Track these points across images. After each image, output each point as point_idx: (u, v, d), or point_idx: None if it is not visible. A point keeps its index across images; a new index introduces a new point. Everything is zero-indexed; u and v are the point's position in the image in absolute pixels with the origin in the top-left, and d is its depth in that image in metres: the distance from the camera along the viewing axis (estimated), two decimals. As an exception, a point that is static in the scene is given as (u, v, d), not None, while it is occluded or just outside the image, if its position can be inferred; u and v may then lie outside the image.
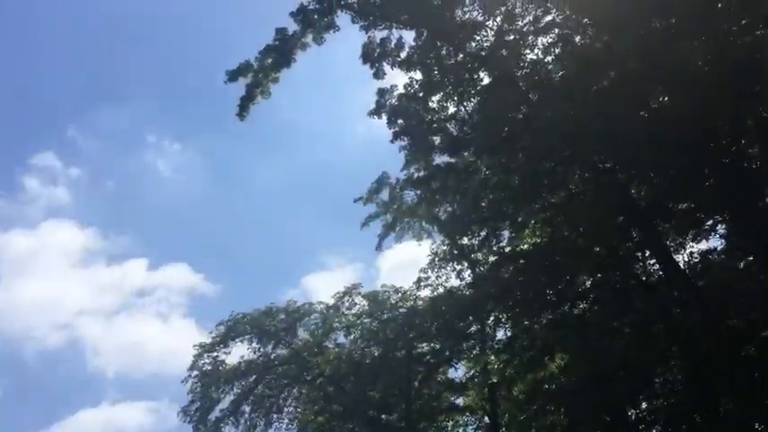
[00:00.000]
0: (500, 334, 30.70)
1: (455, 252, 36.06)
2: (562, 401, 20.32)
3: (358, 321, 39.46)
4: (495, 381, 26.28)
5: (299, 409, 40.18)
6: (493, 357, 24.73)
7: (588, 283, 20.65)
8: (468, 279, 35.52)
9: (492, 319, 24.70)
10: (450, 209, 34.37)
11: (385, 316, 38.76)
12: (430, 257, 36.82)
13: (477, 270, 35.06)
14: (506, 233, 22.72)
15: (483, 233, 23.33)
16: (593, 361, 19.70)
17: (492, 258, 23.87)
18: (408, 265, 66.43)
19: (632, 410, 21.72)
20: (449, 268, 36.42)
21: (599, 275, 20.17)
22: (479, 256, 33.11)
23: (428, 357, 37.78)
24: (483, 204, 21.86)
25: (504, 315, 21.93)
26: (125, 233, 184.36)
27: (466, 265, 35.85)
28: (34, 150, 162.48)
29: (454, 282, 36.11)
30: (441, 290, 36.52)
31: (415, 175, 31.87)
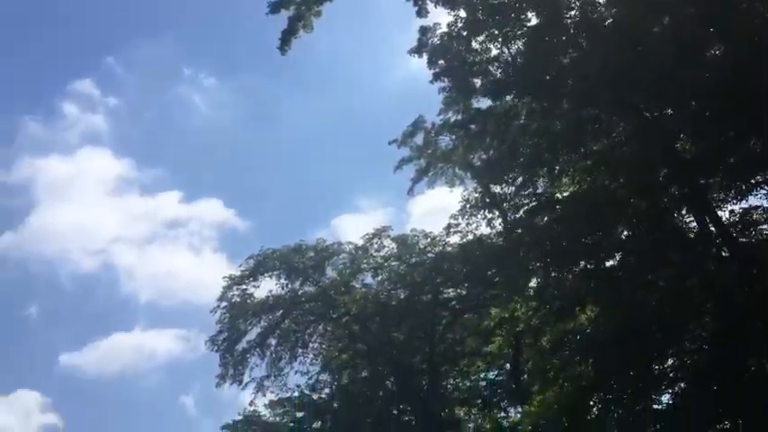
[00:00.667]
0: (530, 283, 30.70)
1: (487, 200, 35.86)
2: (591, 353, 20.21)
3: (386, 264, 39.61)
4: (521, 329, 26.23)
5: (324, 346, 40.86)
6: (521, 305, 24.55)
7: (625, 235, 20.30)
8: (499, 228, 35.51)
9: (523, 266, 24.38)
10: (484, 156, 34.11)
11: (413, 260, 38.87)
12: (461, 204, 36.69)
13: (508, 219, 35.02)
14: (544, 180, 22.36)
15: (519, 180, 23.06)
16: (624, 314, 19.48)
17: (527, 205, 23.42)
18: (439, 211, 66.05)
19: (659, 365, 21.62)
20: (479, 216, 36.25)
21: (637, 227, 19.80)
22: (513, 203, 33.19)
23: (454, 303, 38.08)
24: (521, 150, 21.46)
25: (537, 263, 21.64)
26: (159, 165, 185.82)
27: (497, 213, 35.65)
28: (73, 77, 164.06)
29: (484, 230, 36.11)
30: (470, 237, 36.55)
31: (453, 118, 31.69)
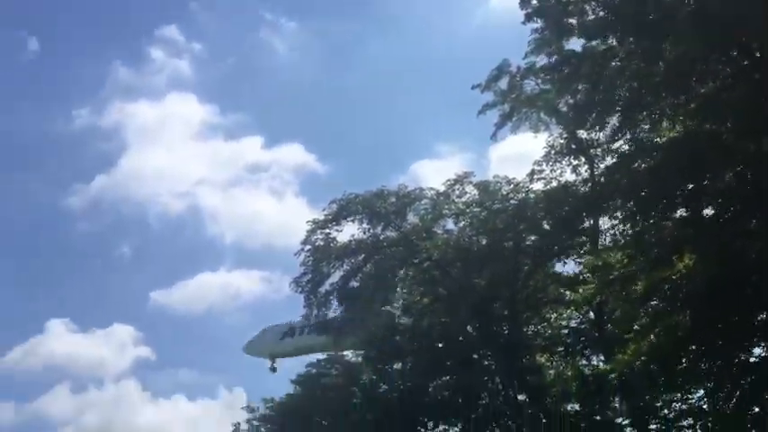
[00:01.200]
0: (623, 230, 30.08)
1: (573, 146, 35.02)
2: (687, 303, 19.70)
3: (467, 210, 39.46)
4: (611, 277, 25.72)
5: (405, 290, 41.32)
6: (610, 253, 24.04)
7: (729, 181, 19.45)
8: (585, 174, 34.75)
9: (616, 213, 23.79)
10: (572, 100, 33.22)
11: (495, 206, 38.54)
12: (545, 150, 35.95)
13: (595, 165, 34.19)
14: (642, 125, 21.55)
15: (613, 124, 22.32)
16: (723, 263, 18.82)
17: (622, 151, 22.71)
18: (520, 158, 64.63)
19: (756, 317, 20.95)
20: (564, 162, 35.55)
21: (742, 173, 18.93)
22: (604, 149, 32.30)
23: (536, 250, 37.76)
24: (618, 93, 20.71)
25: (632, 210, 21.06)
26: (242, 110, 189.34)
27: (583, 159, 34.87)
28: (160, 23, 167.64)
29: (569, 176, 35.47)
30: (554, 184, 35.99)
31: (541, 61, 30.77)
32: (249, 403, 51.54)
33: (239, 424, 51.37)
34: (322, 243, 40.36)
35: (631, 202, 20.73)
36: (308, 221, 40.85)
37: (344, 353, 44.72)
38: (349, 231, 40.45)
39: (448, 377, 41.91)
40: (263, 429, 50.15)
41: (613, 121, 22.31)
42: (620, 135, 22.06)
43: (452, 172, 41.80)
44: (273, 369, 51.59)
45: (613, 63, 21.09)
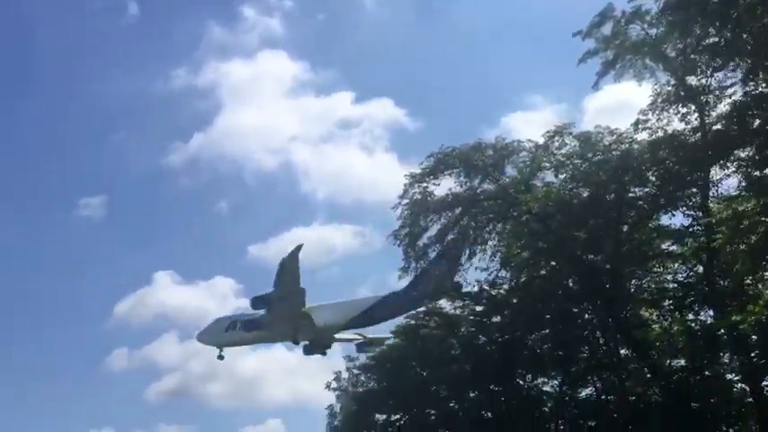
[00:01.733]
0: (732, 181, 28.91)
1: (682, 93, 33.43)
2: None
3: (568, 162, 38.51)
4: (724, 229, 24.66)
5: (503, 244, 41.06)
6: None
7: None
8: (695, 123, 33.16)
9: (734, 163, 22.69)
10: (680, 45, 31.64)
11: (597, 157, 37.43)
12: (651, 98, 34.45)
13: (706, 113, 32.57)
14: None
15: (731, 69, 21.16)
16: None
17: (746, 97, 21.51)
18: (617, 108, 62.29)
19: None
20: (672, 111, 34.01)
21: None
22: (716, 96, 30.82)
23: (641, 202, 36.64)
24: (746, 36, 19.53)
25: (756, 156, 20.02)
26: (332, 66, 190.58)
27: (693, 108, 33.23)
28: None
29: (677, 125, 33.95)
30: (661, 133, 34.53)
31: (646, 6, 29.41)
32: (349, 353, 53.32)
33: (340, 372, 53.12)
34: (419, 197, 40.45)
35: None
36: (405, 175, 40.99)
37: (442, 305, 45.12)
38: (446, 185, 40.51)
39: (547, 331, 41.89)
40: (363, 377, 51.65)
41: (733, 65, 21.20)
42: (741, 81, 20.82)
43: (545, 124, 40.95)
44: (221, 357, 55.31)
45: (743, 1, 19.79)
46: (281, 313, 48.75)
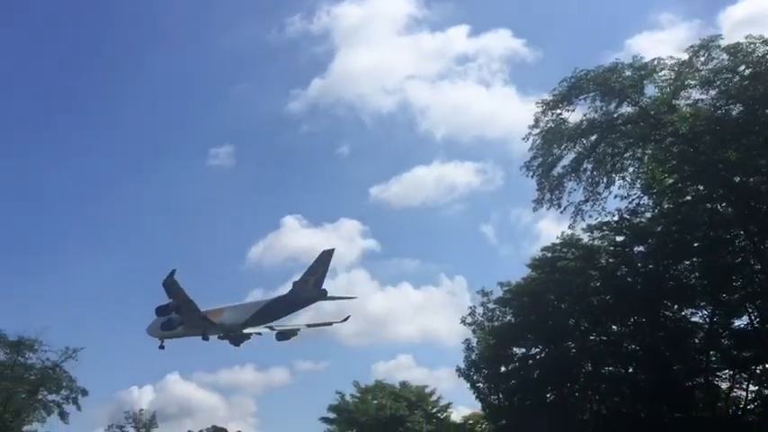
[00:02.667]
0: None
1: None
2: None
3: (716, 77, 35.42)
4: None
5: (644, 170, 38.88)
6: None
7: None
8: None
9: None
10: None
11: (749, 71, 34.20)
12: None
13: None
14: None
15: None
16: None
17: None
18: (759, 20, 56.63)
19: None
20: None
21: None
22: None
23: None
24: None
25: None
26: (446, 0, 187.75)
27: None
28: None
29: None
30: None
31: None
32: (482, 288, 53.09)
33: (474, 307, 53.16)
34: (552, 125, 38.89)
35: None
36: (537, 103, 39.36)
37: (580, 235, 43.66)
38: (581, 111, 38.62)
39: (695, 259, 39.63)
40: (498, 311, 51.48)
41: None
42: None
43: (675, 43, 37.75)
44: (162, 347, 60.21)
45: None
46: (184, 318, 55.48)
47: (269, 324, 62.36)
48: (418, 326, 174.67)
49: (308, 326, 63.74)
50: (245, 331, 62.02)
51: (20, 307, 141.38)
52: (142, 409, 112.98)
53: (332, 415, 52.06)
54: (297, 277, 60.53)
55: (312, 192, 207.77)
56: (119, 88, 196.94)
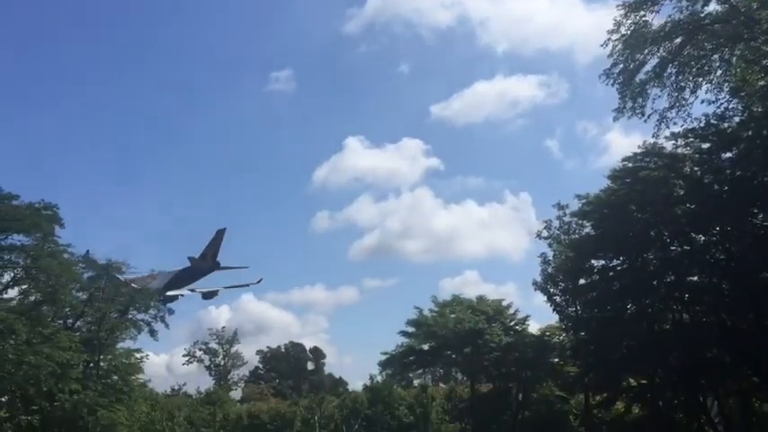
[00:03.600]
0: None
1: None
2: None
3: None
4: None
5: (732, 72, 36.90)
6: None
7: None
8: None
9: None
10: None
11: None
12: None
13: None
14: None
15: None
16: None
17: None
18: None
19: None
20: None
21: None
22: None
23: None
24: None
25: None
26: None
27: None
28: None
29: None
30: None
31: None
32: (558, 201, 52.51)
33: (550, 221, 52.82)
34: (633, 28, 37.07)
35: None
36: (617, 6, 37.26)
37: (664, 144, 42.23)
38: (665, 13, 36.62)
39: (788, 163, 37.90)
40: (574, 225, 51.04)
41: None
42: None
43: None
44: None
45: None
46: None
47: (190, 287, 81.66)
48: (483, 242, 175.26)
49: (225, 288, 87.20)
50: (169, 293, 76.00)
51: (104, 232, 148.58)
52: (224, 327, 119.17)
53: (410, 329, 53.22)
54: (197, 254, 79.20)
55: (373, 112, 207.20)
56: (175, 17, 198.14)
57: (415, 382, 73.54)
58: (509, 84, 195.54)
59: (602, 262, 46.34)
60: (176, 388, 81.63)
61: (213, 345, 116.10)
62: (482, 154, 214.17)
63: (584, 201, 46.05)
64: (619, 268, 45.00)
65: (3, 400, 46.88)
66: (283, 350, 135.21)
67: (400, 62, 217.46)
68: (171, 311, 60.64)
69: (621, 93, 37.99)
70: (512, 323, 52.22)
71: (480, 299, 54.13)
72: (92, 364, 54.14)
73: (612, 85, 38.15)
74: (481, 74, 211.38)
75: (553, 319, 54.86)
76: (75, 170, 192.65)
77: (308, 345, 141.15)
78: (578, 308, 49.30)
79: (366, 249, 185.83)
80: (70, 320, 55.78)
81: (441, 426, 54.15)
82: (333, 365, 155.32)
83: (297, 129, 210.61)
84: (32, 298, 50.81)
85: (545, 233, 53.09)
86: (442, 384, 77.29)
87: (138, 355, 59.44)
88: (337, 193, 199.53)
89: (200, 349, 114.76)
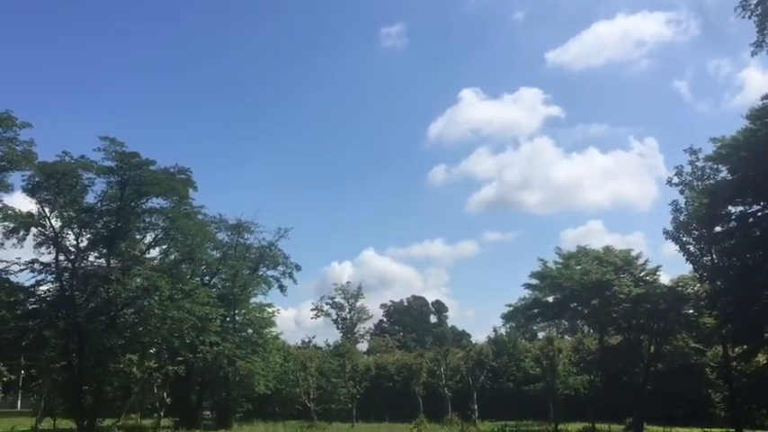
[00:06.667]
0: None
1: None
2: None
3: None
4: None
5: None
6: None
7: None
8: None
9: None
10: None
11: None
12: None
13: None
14: None
15: None
16: None
17: None
18: None
19: None
20: None
21: None
22: None
23: None
24: None
25: None
26: None
27: None
28: None
29: None
30: None
31: None
32: (691, 146, 49.61)
33: (681, 167, 50.05)
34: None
35: None
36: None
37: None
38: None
39: None
40: (708, 170, 48.09)
41: None
42: None
43: None
44: None
45: None
46: None
47: None
48: (607, 191, 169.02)
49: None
50: None
51: (231, 194, 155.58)
52: (348, 282, 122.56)
53: (534, 281, 52.46)
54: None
55: (488, 63, 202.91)
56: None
57: (540, 335, 72.89)
58: (632, 22, 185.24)
59: (741, 208, 43.40)
60: (306, 341, 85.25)
61: (339, 299, 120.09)
62: (605, 99, 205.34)
63: (719, 143, 43.09)
64: (759, 214, 41.99)
65: (151, 351, 50.59)
66: (406, 304, 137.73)
67: (513, 10, 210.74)
68: (298, 267, 62.79)
69: (760, 25, 34.99)
70: (641, 273, 50.17)
71: (607, 249, 52.32)
72: (228, 318, 57.44)
73: (749, 17, 35.23)
74: (600, 14, 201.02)
75: (686, 268, 52.39)
76: (207, 134, 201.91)
77: (430, 298, 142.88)
78: (714, 257, 46.74)
79: (484, 202, 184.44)
80: (207, 277, 59.24)
81: (568, 378, 53.32)
82: (454, 318, 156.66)
83: (410, 84, 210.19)
84: (172, 257, 54.17)
85: (676, 180, 50.40)
86: (567, 337, 76.22)
87: (269, 310, 62.39)
88: (453, 147, 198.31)
89: (326, 303, 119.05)
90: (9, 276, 46.04)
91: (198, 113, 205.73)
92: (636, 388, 49.20)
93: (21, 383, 55.55)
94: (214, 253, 58.96)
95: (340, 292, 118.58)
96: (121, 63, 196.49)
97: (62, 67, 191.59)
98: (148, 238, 51.85)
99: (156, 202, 50.29)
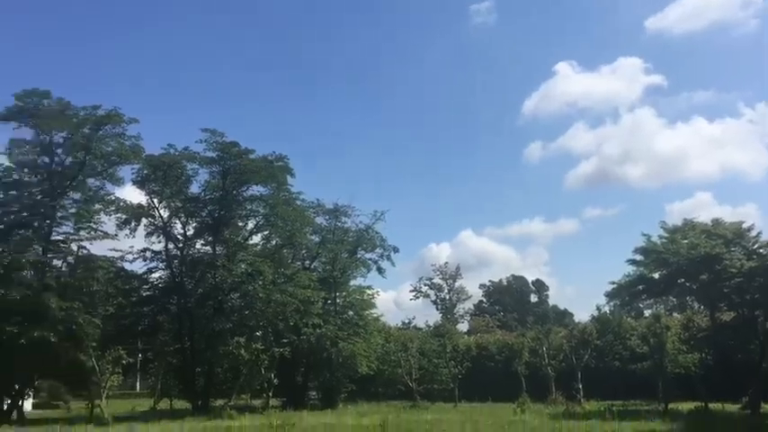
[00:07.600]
0: None
1: None
2: None
3: None
4: None
5: None
6: None
7: None
8: None
9: None
10: None
11: None
12: None
13: None
14: None
15: None
16: None
17: None
18: None
19: None
20: None
21: None
22: None
23: None
24: None
25: None
26: None
27: None
28: None
29: None
30: None
31: None
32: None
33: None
34: None
35: None
36: None
37: None
38: None
39: None
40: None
41: None
42: None
43: None
44: None
45: None
46: None
47: None
48: (716, 162, 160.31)
49: None
50: None
51: (330, 181, 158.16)
52: (446, 263, 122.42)
53: (638, 257, 50.64)
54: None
55: (583, 34, 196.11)
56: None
57: (646, 312, 70.31)
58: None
59: None
60: (406, 322, 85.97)
61: (437, 280, 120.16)
62: (710, 64, 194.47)
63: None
64: None
65: (258, 334, 52.49)
66: (505, 283, 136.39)
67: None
68: (396, 250, 63.25)
69: None
70: (755, 246, 47.42)
71: (716, 222, 49.76)
72: (329, 301, 58.71)
73: None
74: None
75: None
76: (306, 121, 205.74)
77: (530, 278, 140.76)
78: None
79: (583, 178, 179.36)
80: (307, 261, 60.71)
81: (678, 356, 51.27)
82: (555, 297, 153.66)
83: (503, 60, 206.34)
84: (273, 242, 55.85)
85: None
86: (675, 314, 73.24)
87: (369, 292, 63.18)
88: (549, 122, 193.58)
89: (425, 285, 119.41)
90: (124, 264, 48.89)
91: (296, 102, 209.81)
92: (751, 366, 46.82)
93: (138, 366, 58.78)
94: (313, 237, 60.28)
95: (438, 272, 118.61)
96: (221, 59, 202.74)
97: (162, 66, 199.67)
98: (250, 225, 53.70)
99: (256, 190, 51.96)
